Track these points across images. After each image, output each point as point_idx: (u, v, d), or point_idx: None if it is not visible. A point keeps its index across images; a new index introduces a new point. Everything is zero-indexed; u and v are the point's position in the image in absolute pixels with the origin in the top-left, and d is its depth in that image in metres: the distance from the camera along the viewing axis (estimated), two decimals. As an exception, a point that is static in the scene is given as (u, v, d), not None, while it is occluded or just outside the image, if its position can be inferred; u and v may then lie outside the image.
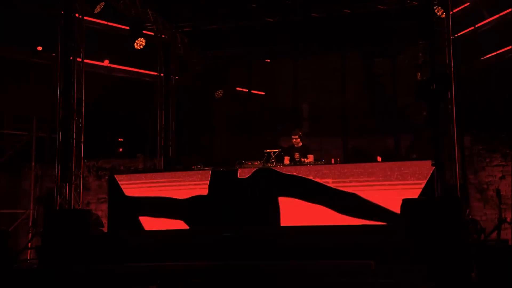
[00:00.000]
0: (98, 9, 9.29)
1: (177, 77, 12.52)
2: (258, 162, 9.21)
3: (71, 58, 8.83)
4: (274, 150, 9.31)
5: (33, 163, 12.82)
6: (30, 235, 11.70)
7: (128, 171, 12.19)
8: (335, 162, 8.68)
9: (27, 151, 12.85)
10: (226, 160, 10.54)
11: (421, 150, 10.60)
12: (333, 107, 12.17)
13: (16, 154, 12.90)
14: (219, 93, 12.70)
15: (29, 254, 10.86)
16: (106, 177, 12.84)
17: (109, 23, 12.58)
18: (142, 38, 10.41)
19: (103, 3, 9.35)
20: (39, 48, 13.35)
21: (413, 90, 11.38)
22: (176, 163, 11.48)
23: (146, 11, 11.08)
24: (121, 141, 14.87)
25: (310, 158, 9.15)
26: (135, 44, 10.37)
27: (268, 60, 13.23)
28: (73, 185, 8.58)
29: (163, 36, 11.96)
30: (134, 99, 13.40)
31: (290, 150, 9.52)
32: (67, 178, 8.54)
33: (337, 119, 12.09)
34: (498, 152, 10.40)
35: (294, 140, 9.68)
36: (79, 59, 9.12)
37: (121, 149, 14.77)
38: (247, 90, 13.11)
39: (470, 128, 10.55)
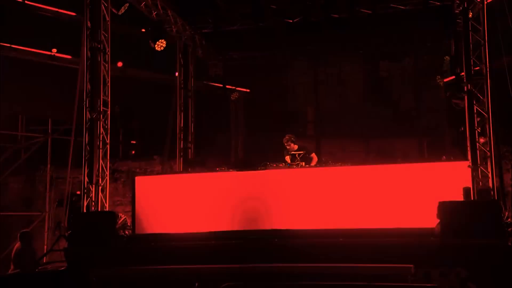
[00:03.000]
0: (122, 10, 9.27)
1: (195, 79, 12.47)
2: (283, 164, 9.13)
3: (97, 59, 8.72)
4: (299, 152, 9.23)
5: (48, 165, 12.75)
6: (46, 236, 11.70)
7: (152, 172, 12.12)
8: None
9: (42, 153, 12.78)
10: (246, 161, 10.49)
11: (439, 152, 10.56)
12: (352, 109, 12.14)
13: (31, 156, 12.82)
14: (235, 95, 12.68)
15: (44, 258, 10.79)
16: (122, 180, 12.84)
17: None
18: (162, 40, 10.34)
19: (127, 4, 9.32)
20: (54, 50, 13.31)
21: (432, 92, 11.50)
22: (196, 165, 11.44)
23: (167, 13, 11.03)
24: (133, 143, 14.78)
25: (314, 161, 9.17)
26: (155, 45, 10.30)
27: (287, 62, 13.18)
28: (100, 187, 8.49)
29: (182, 37, 11.90)
30: (151, 101, 13.32)
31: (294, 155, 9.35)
32: (94, 179, 8.44)
33: (357, 121, 12.03)
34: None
35: (288, 147, 9.42)
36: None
37: (133, 152, 14.67)
38: (264, 92, 13.07)
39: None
